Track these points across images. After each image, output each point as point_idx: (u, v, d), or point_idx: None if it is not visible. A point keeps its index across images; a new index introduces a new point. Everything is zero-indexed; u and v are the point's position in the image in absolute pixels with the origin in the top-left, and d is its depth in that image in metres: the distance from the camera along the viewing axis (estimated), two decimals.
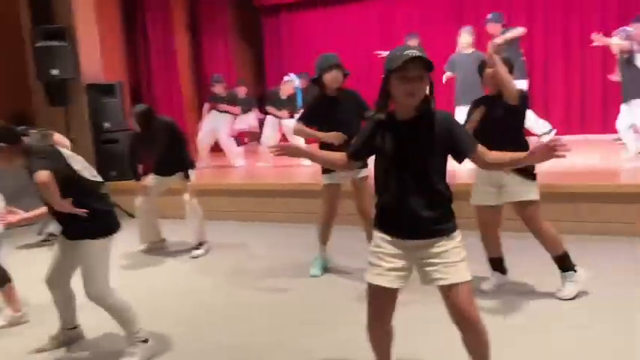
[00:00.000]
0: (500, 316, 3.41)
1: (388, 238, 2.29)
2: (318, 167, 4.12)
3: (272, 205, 6.51)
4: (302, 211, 6.23)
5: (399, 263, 2.27)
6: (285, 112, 8.37)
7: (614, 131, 7.37)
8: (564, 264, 3.63)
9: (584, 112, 9.32)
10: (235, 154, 8.63)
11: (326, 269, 4.53)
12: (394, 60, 2.12)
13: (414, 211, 2.20)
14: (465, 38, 7.16)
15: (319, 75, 4.12)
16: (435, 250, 2.22)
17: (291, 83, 8.60)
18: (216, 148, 8.89)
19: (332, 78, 4.08)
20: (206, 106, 8.75)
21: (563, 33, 9.31)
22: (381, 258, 2.29)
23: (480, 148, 2.24)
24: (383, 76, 2.22)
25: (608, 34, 6.87)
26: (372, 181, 2.58)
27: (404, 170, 2.21)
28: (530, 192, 3.58)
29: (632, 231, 4.86)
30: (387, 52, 2.28)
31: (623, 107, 6.70)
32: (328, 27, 10.99)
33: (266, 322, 3.59)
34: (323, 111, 4.17)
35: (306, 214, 6.09)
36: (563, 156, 2.04)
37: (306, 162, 7.73)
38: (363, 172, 4.27)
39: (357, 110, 4.11)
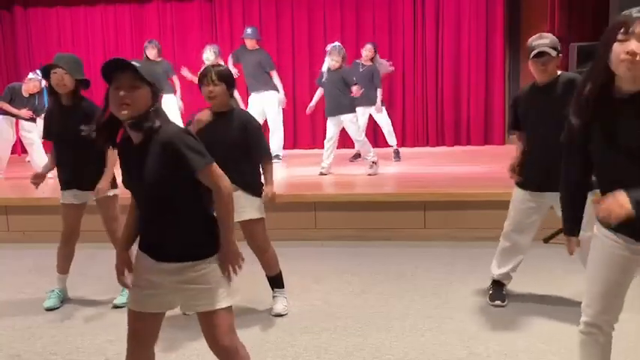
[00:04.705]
0: None
1: None
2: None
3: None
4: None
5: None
6: (25, 112, 7.09)
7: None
8: (279, 282, 3.73)
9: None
10: None
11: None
12: None
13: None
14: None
15: (44, 76, 3.64)
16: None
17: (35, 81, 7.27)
18: None
19: (54, 80, 3.58)
20: None
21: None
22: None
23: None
24: None
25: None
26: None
27: None
28: (253, 210, 3.46)
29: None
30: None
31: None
32: (74, 26, 10.13)
33: None
34: (56, 121, 3.71)
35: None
36: None
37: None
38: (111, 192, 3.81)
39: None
